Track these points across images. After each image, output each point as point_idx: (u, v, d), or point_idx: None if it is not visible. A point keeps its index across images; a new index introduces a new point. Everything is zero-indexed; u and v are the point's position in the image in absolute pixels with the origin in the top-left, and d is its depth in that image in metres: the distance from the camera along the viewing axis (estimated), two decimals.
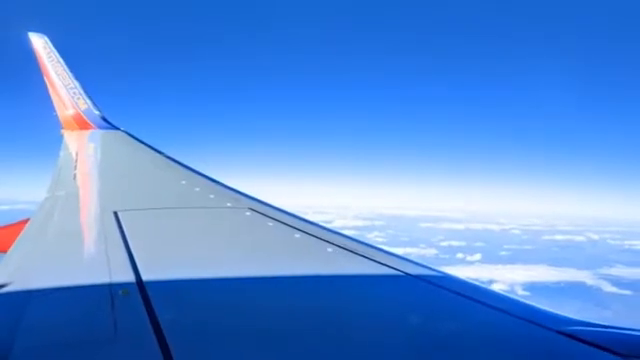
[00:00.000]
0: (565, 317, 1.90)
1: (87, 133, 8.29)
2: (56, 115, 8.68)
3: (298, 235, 3.04)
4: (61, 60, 8.82)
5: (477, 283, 2.36)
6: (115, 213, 3.39)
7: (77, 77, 8.88)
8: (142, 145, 7.17)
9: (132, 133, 7.97)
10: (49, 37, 8.92)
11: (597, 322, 1.84)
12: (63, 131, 8.43)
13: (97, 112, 8.71)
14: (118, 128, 8.43)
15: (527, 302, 2.09)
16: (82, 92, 8.77)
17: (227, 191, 4.36)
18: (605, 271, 77.44)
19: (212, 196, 4.22)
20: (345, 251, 2.74)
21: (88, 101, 8.74)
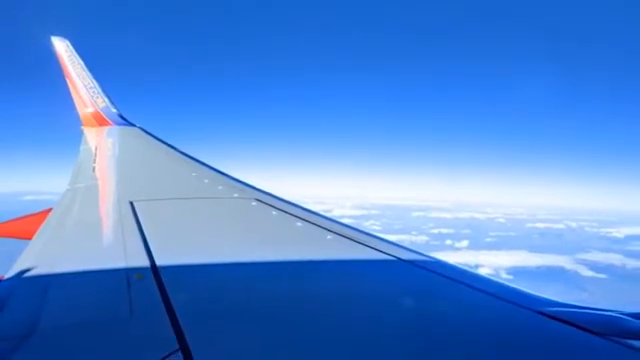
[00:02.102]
0: (546, 299, 1.90)
1: (105, 129, 8.27)
2: (77, 113, 8.66)
3: (300, 224, 3.04)
4: (81, 62, 8.78)
5: (465, 267, 2.36)
6: (131, 203, 3.39)
7: (96, 77, 8.84)
8: (156, 140, 7.16)
9: (147, 129, 7.96)
10: (70, 39, 8.88)
11: (575, 303, 1.84)
12: (83, 128, 8.42)
13: (114, 110, 8.70)
14: (134, 125, 8.41)
15: (511, 285, 2.09)
16: (100, 91, 8.75)
17: (234, 183, 4.36)
18: (582, 256, 77.68)
19: (220, 187, 4.22)
20: (343, 238, 2.74)
21: (106, 100, 8.71)
